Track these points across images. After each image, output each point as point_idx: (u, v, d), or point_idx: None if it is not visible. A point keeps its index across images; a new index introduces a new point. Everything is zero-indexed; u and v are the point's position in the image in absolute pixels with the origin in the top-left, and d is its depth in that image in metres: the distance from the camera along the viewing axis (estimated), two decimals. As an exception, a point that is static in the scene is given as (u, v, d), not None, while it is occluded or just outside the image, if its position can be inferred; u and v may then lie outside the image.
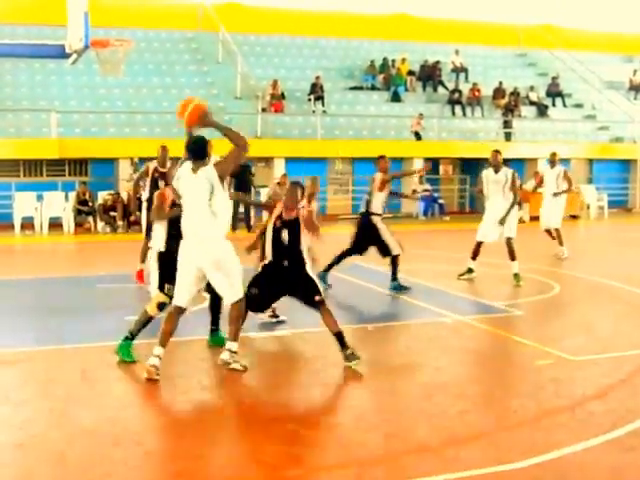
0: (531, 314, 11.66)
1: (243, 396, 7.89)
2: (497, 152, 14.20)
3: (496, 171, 13.94)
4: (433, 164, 30.62)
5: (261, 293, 8.90)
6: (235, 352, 8.23)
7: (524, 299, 12.61)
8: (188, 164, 8.02)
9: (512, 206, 13.83)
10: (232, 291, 8.05)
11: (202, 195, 7.78)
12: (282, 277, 8.85)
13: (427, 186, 28.89)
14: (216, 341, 9.35)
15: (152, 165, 12.90)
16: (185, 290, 8.07)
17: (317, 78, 30.14)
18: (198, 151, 8.02)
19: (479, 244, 14.09)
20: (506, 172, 13.90)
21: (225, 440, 6.69)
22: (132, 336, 8.69)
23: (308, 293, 8.71)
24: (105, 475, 5.79)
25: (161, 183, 12.18)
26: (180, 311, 8.17)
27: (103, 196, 23.80)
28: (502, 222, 13.69)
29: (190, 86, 29.87)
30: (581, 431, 6.70)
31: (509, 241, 13.84)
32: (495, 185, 13.93)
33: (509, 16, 37.84)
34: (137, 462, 6.05)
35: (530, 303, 12.40)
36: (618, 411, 7.22)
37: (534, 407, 7.47)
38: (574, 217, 28.38)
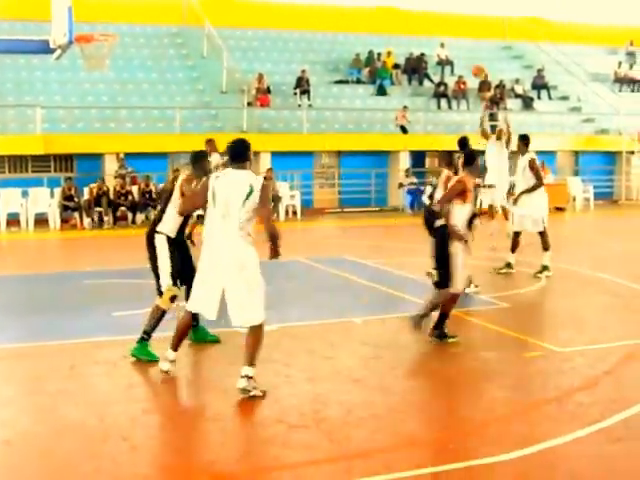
0: (518, 306, 11.68)
1: (230, 392, 7.87)
2: (523, 137, 14.14)
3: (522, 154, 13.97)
4: (419, 157, 30.73)
5: None
6: (252, 378, 7.58)
7: (511, 291, 12.63)
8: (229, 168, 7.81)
9: (533, 189, 13.74)
10: (252, 311, 7.49)
11: (239, 195, 7.41)
12: None
13: (413, 179, 28.91)
14: (199, 337, 9.33)
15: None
16: (203, 298, 7.63)
17: (303, 72, 30.11)
18: (237, 152, 7.71)
19: (517, 235, 14.07)
20: (527, 156, 13.91)
21: (213, 435, 6.68)
22: (148, 335, 8.58)
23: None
24: (93, 471, 5.78)
25: None
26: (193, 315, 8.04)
27: (90, 187, 23.65)
28: (515, 201, 13.84)
29: (176, 81, 29.84)
30: (569, 422, 6.72)
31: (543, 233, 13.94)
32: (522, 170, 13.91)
33: (494, 9, 37.92)
34: (125, 457, 6.04)
35: (517, 295, 12.43)
36: (605, 402, 7.25)
37: (522, 399, 7.50)
38: (560, 209, 28.47)
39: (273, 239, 7.46)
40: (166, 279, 8.64)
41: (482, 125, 16.37)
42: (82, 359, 8.79)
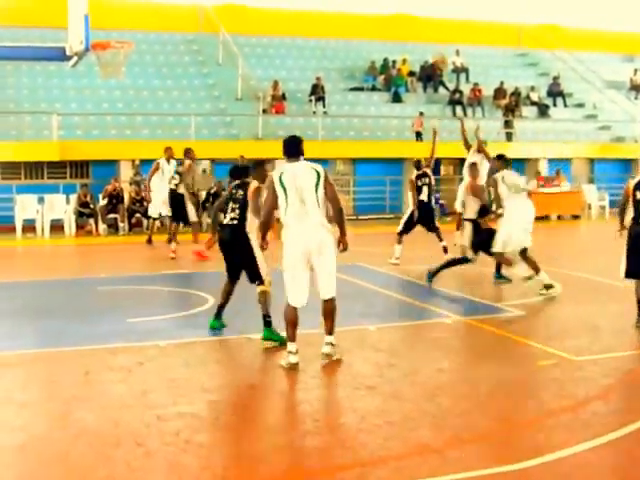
0: (533, 314, 11.65)
1: (245, 398, 7.89)
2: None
3: None
4: (434, 165, 30.62)
5: None
6: (334, 345, 8.81)
7: (526, 299, 12.58)
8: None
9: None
10: (333, 285, 8.64)
11: (310, 181, 8.45)
12: None
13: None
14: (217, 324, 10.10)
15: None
16: (297, 291, 8.58)
17: (318, 79, 30.15)
18: (292, 148, 8.76)
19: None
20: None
21: (227, 442, 6.69)
22: (270, 317, 9.55)
23: None
24: (107, 476, 5.80)
25: None
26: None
27: (105, 189, 23.76)
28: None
29: (191, 88, 29.93)
30: (584, 432, 6.69)
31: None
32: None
33: (510, 16, 37.86)
34: (139, 463, 6.05)
35: (532, 303, 12.39)
36: (621, 411, 7.22)
37: (536, 408, 7.47)
38: (575, 217, 28.40)
39: (341, 227, 8.65)
40: (265, 269, 9.68)
41: (463, 135, 16.81)
42: (97, 365, 8.82)
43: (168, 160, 18.47)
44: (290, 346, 8.59)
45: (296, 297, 8.55)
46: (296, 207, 8.43)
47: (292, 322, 8.61)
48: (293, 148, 8.70)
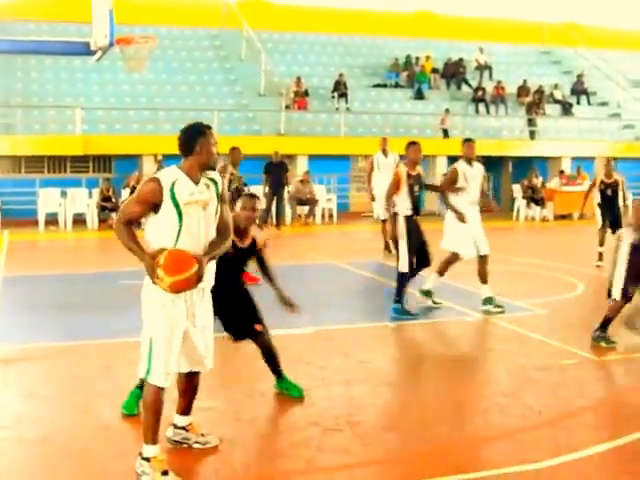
0: (555, 313, 11.58)
1: (264, 394, 7.88)
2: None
3: None
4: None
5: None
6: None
7: (548, 298, 12.53)
8: None
9: None
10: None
11: None
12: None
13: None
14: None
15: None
16: None
17: (341, 75, 30.12)
18: None
19: None
20: None
21: (247, 438, 6.69)
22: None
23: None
24: (127, 471, 5.80)
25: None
26: None
27: (127, 180, 23.72)
28: None
29: (213, 83, 29.97)
30: (605, 431, 6.66)
31: None
32: None
33: (533, 14, 37.66)
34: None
35: (554, 302, 12.32)
36: (642, 412, 7.18)
37: (557, 407, 7.43)
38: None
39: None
40: None
41: None
42: (118, 359, 8.85)
43: (385, 153, 17.25)
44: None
45: None
46: None
47: None
48: None
